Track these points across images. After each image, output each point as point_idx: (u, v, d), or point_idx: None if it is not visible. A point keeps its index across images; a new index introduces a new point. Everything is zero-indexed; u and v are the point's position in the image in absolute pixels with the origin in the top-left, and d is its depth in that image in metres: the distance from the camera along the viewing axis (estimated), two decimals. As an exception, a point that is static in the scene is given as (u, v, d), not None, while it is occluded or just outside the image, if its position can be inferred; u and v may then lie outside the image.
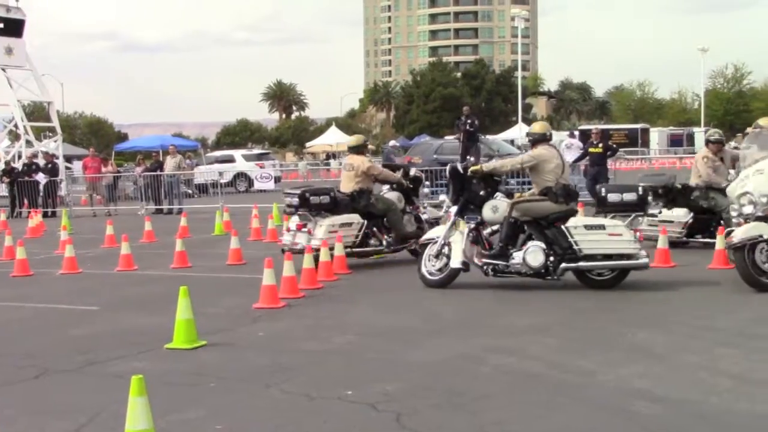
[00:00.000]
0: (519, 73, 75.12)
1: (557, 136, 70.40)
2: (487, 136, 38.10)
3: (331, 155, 79.68)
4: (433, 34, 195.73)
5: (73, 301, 12.17)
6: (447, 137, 41.24)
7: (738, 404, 6.20)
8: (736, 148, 39.21)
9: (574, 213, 11.40)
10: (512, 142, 51.92)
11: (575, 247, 11.03)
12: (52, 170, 31.77)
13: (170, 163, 30.56)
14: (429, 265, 11.82)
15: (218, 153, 53.25)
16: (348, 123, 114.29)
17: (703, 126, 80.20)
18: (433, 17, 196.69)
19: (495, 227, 11.73)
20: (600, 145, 23.65)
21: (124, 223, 23.90)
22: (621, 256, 11.02)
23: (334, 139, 76.42)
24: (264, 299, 10.80)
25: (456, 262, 11.46)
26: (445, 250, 11.65)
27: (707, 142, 15.63)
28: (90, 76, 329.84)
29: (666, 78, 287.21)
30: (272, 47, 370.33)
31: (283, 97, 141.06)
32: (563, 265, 11.08)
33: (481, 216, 11.64)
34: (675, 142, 70.98)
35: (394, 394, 6.72)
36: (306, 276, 12.12)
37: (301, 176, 49.50)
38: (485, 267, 11.44)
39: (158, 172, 30.16)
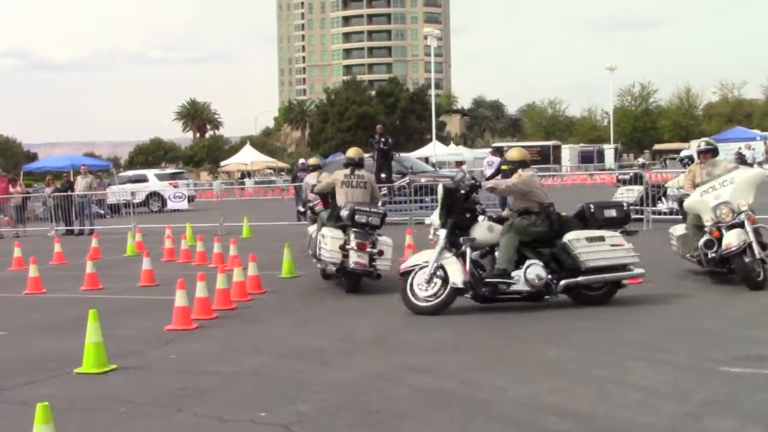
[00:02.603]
0: (432, 91, 75.66)
1: (471, 153, 71.22)
2: (401, 154, 38.28)
3: (246, 174, 79.13)
4: (347, 52, 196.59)
5: (-21, 326, 11.85)
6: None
7: (644, 416, 6.31)
8: (643, 165, 39.85)
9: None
10: (426, 159, 52.32)
11: (579, 259, 11.06)
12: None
13: (81, 183, 30.01)
14: (419, 292, 11.07)
15: (131, 172, 52.53)
16: (263, 141, 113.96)
17: (612, 143, 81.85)
18: (347, 36, 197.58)
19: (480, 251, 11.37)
20: (512, 162, 23.81)
21: (33, 245, 23.41)
22: (619, 267, 11.23)
23: (248, 158, 75.88)
24: (176, 321, 10.67)
25: (459, 282, 10.84)
26: (440, 273, 11.00)
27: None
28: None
29: (576, 96, 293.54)
30: (186, 66, 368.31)
31: (197, 116, 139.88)
32: (564, 282, 11.04)
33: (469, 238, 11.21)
34: (586, 158, 72.58)
35: (307, 415, 6.69)
36: (219, 297, 12.01)
37: (215, 195, 49.01)
38: (483, 289, 11.01)
39: (69, 193, 29.61)
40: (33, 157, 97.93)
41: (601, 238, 11.18)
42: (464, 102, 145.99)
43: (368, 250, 12.97)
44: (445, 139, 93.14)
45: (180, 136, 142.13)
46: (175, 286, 10.85)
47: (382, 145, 27.78)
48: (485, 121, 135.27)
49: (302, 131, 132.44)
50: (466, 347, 9.07)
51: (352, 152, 14.33)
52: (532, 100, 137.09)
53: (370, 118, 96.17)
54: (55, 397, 7.01)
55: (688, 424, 6.14)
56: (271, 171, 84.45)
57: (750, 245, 11.64)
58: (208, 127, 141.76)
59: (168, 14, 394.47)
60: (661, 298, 11.44)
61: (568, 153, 73.54)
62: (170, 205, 40.18)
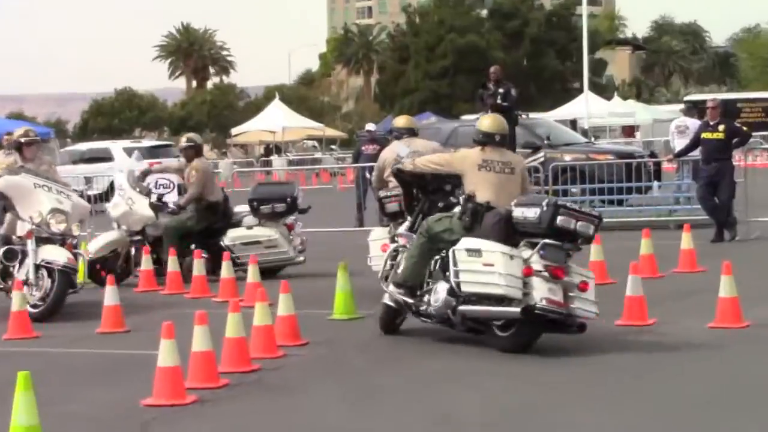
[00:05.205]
0: (584, 9, 74.82)
1: (649, 112, 70.78)
2: (532, 115, 38.25)
3: (274, 148, 79.14)
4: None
5: None
6: (465, 117, 41.37)
7: None
8: None
9: None
10: (574, 123, 52.09)
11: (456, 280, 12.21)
12: None
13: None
14: None
15: (85, 146, 53.12)
16: (301, 94, 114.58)
17: None
18: None
19: None
20: (721, 127, 23.64)
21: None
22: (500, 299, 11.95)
23: (278, 121, 74.89)
24: (159, 391, 10.71)
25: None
26: None
27: None
28: None
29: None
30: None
31: (192, 51, 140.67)
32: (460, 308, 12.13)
33: None
34: None
35: None
36: (231, 350, 11.96)
37: (223, 183, 49.37)
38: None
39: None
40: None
41: (478, 252, 12.02)
42: (637, 28, 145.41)
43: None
44: (605, 90, 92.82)
45: (165, 85, 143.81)
46: (157, 332, 10.90)
47: (498, 100, 27.71)
48: (673, 59, 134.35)
49: (366, 77, 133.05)
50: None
51: (404, 121, 15.84)
52: (753, 23, 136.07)
53: (479, 54, 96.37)
54: None
55: None
56: (315, 144, 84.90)
57: None
58: (212, 70, 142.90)
59: None
60: None
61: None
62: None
